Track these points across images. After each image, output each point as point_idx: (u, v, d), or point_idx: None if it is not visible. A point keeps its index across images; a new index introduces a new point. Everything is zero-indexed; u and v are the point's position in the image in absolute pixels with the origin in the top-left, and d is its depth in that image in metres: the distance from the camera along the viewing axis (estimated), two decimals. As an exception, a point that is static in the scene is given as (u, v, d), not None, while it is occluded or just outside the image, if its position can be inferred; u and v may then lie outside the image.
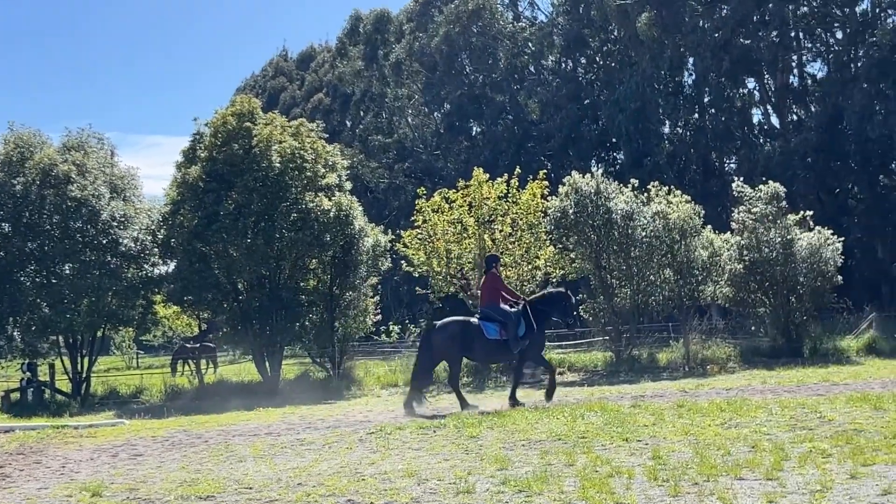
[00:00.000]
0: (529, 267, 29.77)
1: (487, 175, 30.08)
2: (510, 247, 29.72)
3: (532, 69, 63.12)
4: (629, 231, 28.82)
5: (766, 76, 55.67)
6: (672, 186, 31.04)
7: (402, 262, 30.93)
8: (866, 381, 20.40)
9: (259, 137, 27.22)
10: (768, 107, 56.99)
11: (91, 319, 27.84)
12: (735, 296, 30.65)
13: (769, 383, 20.95)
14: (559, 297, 19.39)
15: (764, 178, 33.13)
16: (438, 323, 19.25)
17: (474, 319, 18.89)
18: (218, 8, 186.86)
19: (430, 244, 29.90)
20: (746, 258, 29.80)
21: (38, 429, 18.55)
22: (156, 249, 28.48)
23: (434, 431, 14.39)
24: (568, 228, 29.02)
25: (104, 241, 27.86)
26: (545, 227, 29.56)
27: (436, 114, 66.61)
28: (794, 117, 56.35)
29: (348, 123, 72.26)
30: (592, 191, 28.83)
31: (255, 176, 26.69)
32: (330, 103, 73.32)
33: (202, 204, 26.89)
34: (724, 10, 52.12)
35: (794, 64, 55.77)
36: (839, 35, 53.88)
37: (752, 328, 31.91)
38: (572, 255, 29.56)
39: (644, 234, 28.93)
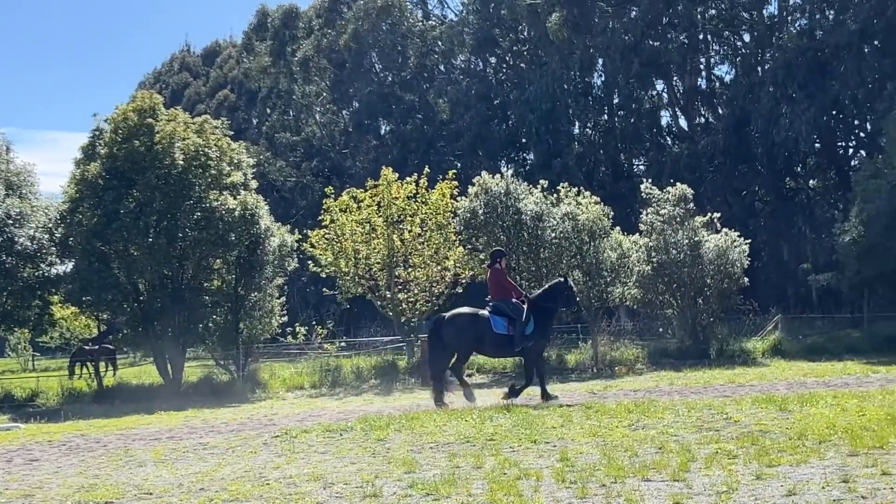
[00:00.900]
0: (439, 268, 29.83)
1: (396, 174, 30.08)
2: (419, 247, 29.76)
3: (442, 68, 63.27)
4: (539, 232, 29.03)
5: (675, 78, 56.55)
6: (581, 188, 31.36)
7: (310, 262, 30.77)
8: (772, 383, 20.85)
9: (161, 134, 26.84)
10: (677, 109, 57.93)
11: (-16, 320, 27.22)
12: (643, 297, 31.07)
13: (676, 385, 21.28)
14: (559, 288, 19.50)
15: (672, 180, 33.67)
16: (447, 315, 19.34)
17: (484, 312, 18.99)
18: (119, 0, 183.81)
19: (338, 244, 29.79)
20: (654, 260, 30.22)
21: (-73, 435, 18.06)
22: (53, 248, 27.88)
23: (341, 435, 14.33)
24: (477, 229, 29.13)
25: (-1, 240, 27.24)
26: (455, 228, 29.64)
27: (344, 112, 66.38)
28: (702, 120, 57.35)
29: (254, 121, 71.65)
30: (502, 191, 28.99)
31: (157, 174, 26.31)
32: (236, 100, 72.57)
33: (102, 202, 26.42)
34: (634, 12, 52.81)
35: (702, 66, 56.76)
36: (746, 38, 54.99)
37: (660, 330, 32.41)
38: (482, 256, 29.65)
39: (553, 235, 29.16)
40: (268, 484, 10.66)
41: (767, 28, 51.43)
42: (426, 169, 30.62)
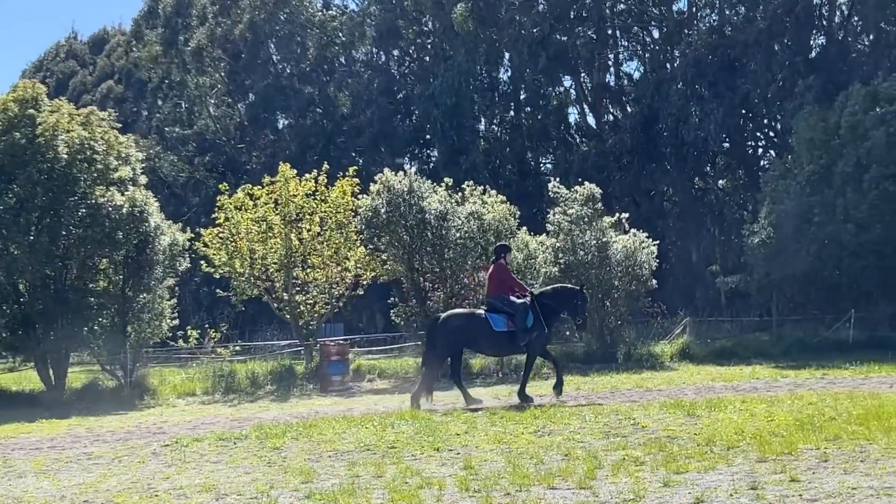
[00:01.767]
0: (339, 269, 29.70)
1: (295, 171, 29.85)
2: (318, 247, 29.59)
3: (343, 60, 63.02)
4: (443, 232, 29.06)
5: (583, 74, 57.13)
6: (487, 186, 31.49)
7: (202, 262, 30.36)
8: (680, 387, 21.18)
9: (44, 126, 26.24)
10: (585, 106, 58.51)
11: None
12: (550, 299, 31.25)
13: (583, 389, 21.51)
14: (570, 294, 19.78)
15: (580, 179, 34.01)
16: (442, 315, 19.69)
17: (480, 311, 19.34)
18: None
19: (233, 244, 29.47)
20: (561, 261, 30.48)
21: None
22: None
23: (234, 443, 14.21)
24: (379, 228, 29.07)
25: None
26: (356, 227, 29.53)
27: (240, 105, 65.72)
28: (611, 117, 58.04)
29: (144, 113, 70.50)
30: (405, 189, 28.96)
31: (39, 168, 25.71)
32: (124, 91, 71.35)
33: (-22, 197, 25.77)
34: (542, 5, 53.25)
35: (610, 63, 57.42)
36: (656, 34, 55.80)
37: (567, 333, 32.67)
38: (384, 257, 29.63)
39: (458, 235, 29.22)
40: (157, 495, 10.53)
41: (677, 24, 52.23)
42: (326, 165, 30.43)
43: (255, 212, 29.49)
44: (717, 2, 50.95)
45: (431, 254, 29.25)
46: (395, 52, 62.59)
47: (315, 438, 14.20)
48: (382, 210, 28.81)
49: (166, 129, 65.97)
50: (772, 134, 51.67)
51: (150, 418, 20.39)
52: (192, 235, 29.44)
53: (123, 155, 27.85)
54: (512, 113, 57.70)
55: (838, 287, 35.89)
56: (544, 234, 31.28)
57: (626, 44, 57.41)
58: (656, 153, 49.49)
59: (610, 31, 55.09)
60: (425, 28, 60.51)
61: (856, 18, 48.75)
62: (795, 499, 9.01)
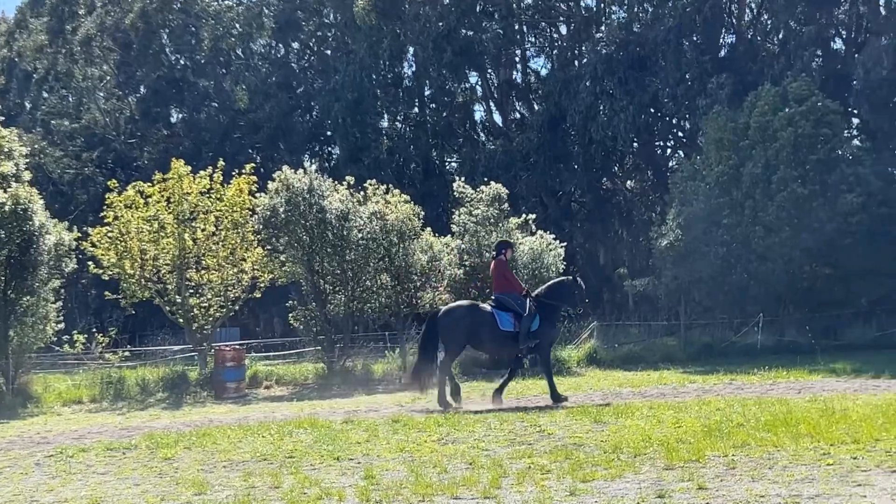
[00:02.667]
0: (235, 270, 29.45)
1: (189, 168, 29.51)
2: (213, 248, 29.29)
3: (240, 52, 62.43)
4: (344, 232, 29.00)
5: (490, 71, 57.34)
6: (391, 185, 31.49)
7: (90, 263, 29.87)
8: (587, 393, 21.42)
9: (-80, 119, 25.68)
10: (491, 103, 58.73)
11: None
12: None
13: (489, 396, 21.61)
14: (567, 287, 19.92)
15: (486, 179, 34.15)
16: (444, 307, 19.69)
17: (486, 306, 19.20)
18: None
19: (123, 244, 29.03)
20: (467, 263, 30.60)
21: None
22: None
23: (123, 453, 14.03)
24: (278, 228, 28.90)
25: None
26: (253, 227, 29.31)
27: (131, 98, 64.70)
28: (518, 115, 58.34)
29: (28, 105, 69.06)
30: (305, 188, 28.83)
31: (-86, 162, 25.17)
32: (7, 82, 69.88)
33: None
34: (447, -1, 53.37)
35: (517, 59, 57.73)
36: (564, 30, 56.26)
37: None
38: (282, 258, 29.47)
39: (360, 235, 29.18)
40: (40, 510, 10.34)
41: (585, 21, 52.73)
42: (221, 162, 30.12)
43: (147, 210, 29.08)
44: (626, -2, 51.56)
45: (332, 255, 29.16)
46: (295, 45, 62.20)
47: (209, 448, 14.08)
48: (281, 209, 28.65)
49: (52, 122, 64.66)
50: (681, 134, 52.41)
51: (34, 427, 20.01)
52: (80, 235, 28.94)
53: (6, 150, 27.31)
54: (416, 109, 57.69)
55: (746, 291, 36.54)
56: (449, 236, 31.38)
57: (534, 40, 57.76)
58: (564, 152, 49.86)
59: (517, 27, 55.34)
60: (326, 20, 60.25)
61: (765, 17, 49.72)
62: (702, 506, 9.17)
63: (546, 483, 10.38)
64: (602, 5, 53.57)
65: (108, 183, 31.06)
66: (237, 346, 28.83)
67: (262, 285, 29.98)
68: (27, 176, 27.68)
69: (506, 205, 31.54)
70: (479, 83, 58.09)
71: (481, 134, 58.85)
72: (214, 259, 29.23)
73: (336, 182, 30.20)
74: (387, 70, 54.80)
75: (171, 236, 28.97)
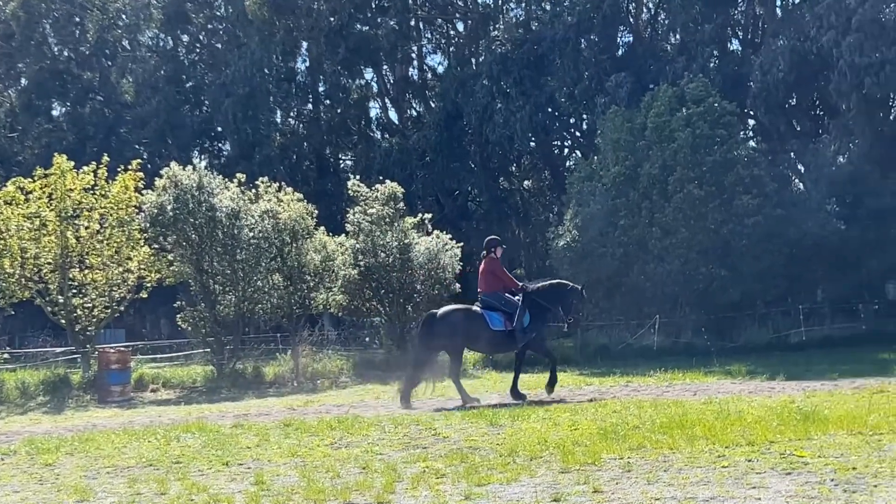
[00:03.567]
0: (120, 269, 29.01)
1: (72, 163, 29.00)
2: (98, 246, 28.82)
3: (126, 44, 61.54)
4: (235, 231, 28.73)
5: (385, 67, 57.35)
6: (283, 183, 31.31)
7: (-34, 262, 29.22)
8: (482, 396, 21.44)
9: None
10: (387, 100, 58.75)
11: None
12: (349, 304, 31.35)
13: (383, 399, 21.61)
14: (566, 292, 20.28)
15: (381, 177, 34.14)
16: (439, 312, 19.87)
17: (476, 308, 19.56)
18: None
19: (2, 242, 28.44)
20: (362, 263, 30.57)
21: None
22: None
23: (2, 459, 13.75)
24: (166, 227, 28.53)
25: None
26: (139, 225, 28.92)
27: (11, 90, 63.40)
28: (414, 112, 58.45)
29: None
30: (194, 185, 28.52)
31: None
32: None
33: None
34: (342, -8, 53.22)
35: (413, 56, 57.82)
36: (461, 27, 56.51)
37: (367, 339, 32.79)
38: (170, 257, 29.11)
39: (251, 234, 28.95)
40: (-88, 520, 10.10)
41: (482, 18, 53.01)
42: (106, 157, 29.67)
43: (28, 207, 28.50)
44: (524, -5, 51.97)
45: (222, 254, 28.89)
46: (185, 38, 61.49)
47: (92, 453, 13.86)
48: (169, 207, 28.28)
49: (-73, 114, 63.17)
50: (578, 134, 52.94)
51: None
52: (-45, 232, 28.29)
53: None
54: (310, 106, 57.48)
55: (643, 292, 37.01)
56: (343, 235, 31.30)
57: (431, 36, 57.97)
58: (461, 151, 50.09)
59: (413, 23, 55.46)
60: (217, 13, 59.69)
61: (663, 16, 50.47)
62: (598, 510, 9.28)
63: (441, 487, 10.41)
64: (499, 3, 53.93)
65: (-13, 178, 30.42)
66: (122, 349, 28.40)
67: (148, 285, 29.59)
68: None
69: (401, 204, 31.56)
70: (375, 79, 58.19)
71: (377, 131, 58.85)
72: (99, 258, 28.75)
73: (226, 179, 29.91)
74: (280, 65, 54.47)
75: (52, 234, 28.43)
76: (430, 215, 32.47)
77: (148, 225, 28.67)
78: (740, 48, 48.44)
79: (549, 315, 20.54)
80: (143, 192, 29.02)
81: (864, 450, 11.41)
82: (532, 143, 51.23)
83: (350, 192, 32.17)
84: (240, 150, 51.30)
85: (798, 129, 45.42)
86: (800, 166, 45.27)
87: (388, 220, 30.97)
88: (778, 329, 36.62)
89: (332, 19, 52.14)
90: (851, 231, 38.02)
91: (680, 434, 12.99)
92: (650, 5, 51.51)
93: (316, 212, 30.36)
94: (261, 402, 22.44)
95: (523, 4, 52.71)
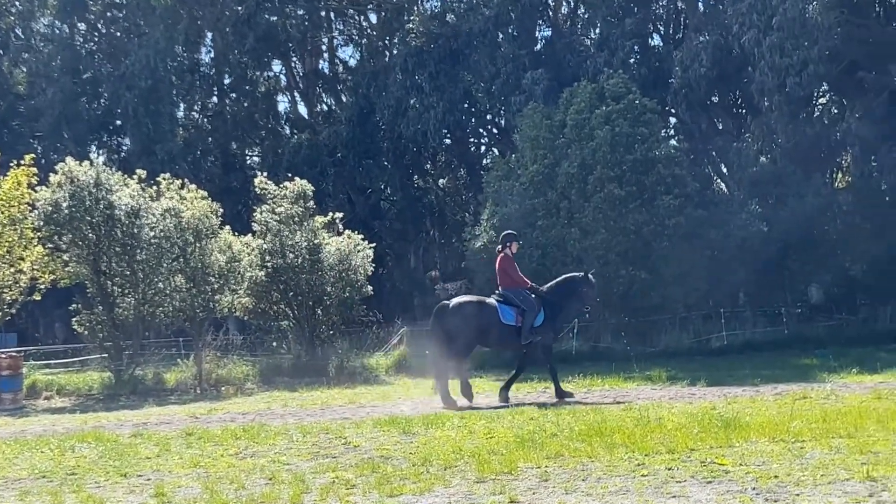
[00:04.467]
0: (12, 270, 28.60)
1: (-40, 158, 28.57)
2: (-13, 245, 28.42)
3: (19, 32, 60.53)
4: (135, 230, 28.47)
5: (294, 59, 57.04)
6: (186, 180, 31.05)
7: None
8: (395, 403, 21.51)
9: None
10: (296, 94, 58.42)
11: None
12: (256, 307, 31.19)
13: (291, 406, 21.52)
14: (576, 285, 20.86)
15: (290, 174, 33.98)
16: (451, 303, 20.42)
17: (491, 300, 20.11)
18: None
19: None
20: (269, 264, 30.41)
21: None
22: None
23: None
24: (61, 225, 28.18)
25: None
26: (32, 223, 28.53)
27: None
28: (325, 107, 58.21)
29: None
30: (91, 181, 28.20)
31: None
32: None
33: None
34: (249, -19, 52.83)
35: (324, 48, 57.57)
36: (373, 18, 56.38)
37: (274, 344, 32.61)
38: (66, 257, 28.74)
39: (153, 234, 28.69)
40: None
41: (396, 9, 52.92)
42: (-2, 152, 29.27)
43: (-89, 204, 28.03)
44: (440, -14, 51.95)
45: (121, 255, 28.60)
46: (82, 26, 60.53)
47: (-20, 466, 13.64)
48: (64, 204, 27.93)
49: None
50: (495, 131, 53.06)
51: None
52: None
53: None
54: (215, 99, 56.97)
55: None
56: (250, 235, 31.12)
57: (342, 28, 57.74)
58: (373, 148, 49.98)
59: (324, 13, 55.22)
60: (117, 0, 58.91)
61: (582, 10, 50.79)
62: (515, 521, 9.32)
63: (351, 498, 10.39)
64: (414, -7, 53.84)
65: None
66: (14, 354, 27.94)
67: (42, 287, 29.18)
68: None
69: (311, 202, 31.45)
70: (284, 72, 57.74)
71: (286, 126, 58.44)
72: (-11, 258, 28.32)
73: (126, 175, 29.63)
74: (183, 56, 53.93)
75: (-64, 232, 27.96)
76: (341, 214, 32.39)
77: (42, 223, 28.30)
78: (661, 44, 48.87)
79: (562, 314, 21.15)
80: (37, 188, 28.63)
81: (785, 457, 11.59)
82: (448, 140, 51.29)
83: (257, 189, 31.97)
84: (140, 145, 50.66)
85: (720, 127, 45.95)
86: (722, 166, 45.86)
87: (297, 219, 30.83)
88: (699, 333, 37.01)
89: (238, 8, 51.74)
90: (774, 233, 38.55)
91: (599, 442, 13.09)
92: (569, -1, 51.85)
93: (221, 210, 30.13)
94: (161, 410, 22.23)
95: (439, -5, 52.73)
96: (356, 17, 57.05)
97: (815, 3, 38.39)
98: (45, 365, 31.93)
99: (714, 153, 45.58)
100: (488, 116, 51.68)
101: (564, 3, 51.80)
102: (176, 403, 24.20)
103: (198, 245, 29.26)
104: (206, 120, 57.03)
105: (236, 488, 11.13)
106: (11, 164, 28.97)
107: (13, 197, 28.53)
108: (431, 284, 46.15)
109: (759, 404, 17.26)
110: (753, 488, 10.07)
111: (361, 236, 31.91)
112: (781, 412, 15.44)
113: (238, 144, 57.59)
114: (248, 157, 58.57)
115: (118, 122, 55.32)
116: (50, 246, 28.66)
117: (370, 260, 31.57)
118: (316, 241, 30.64)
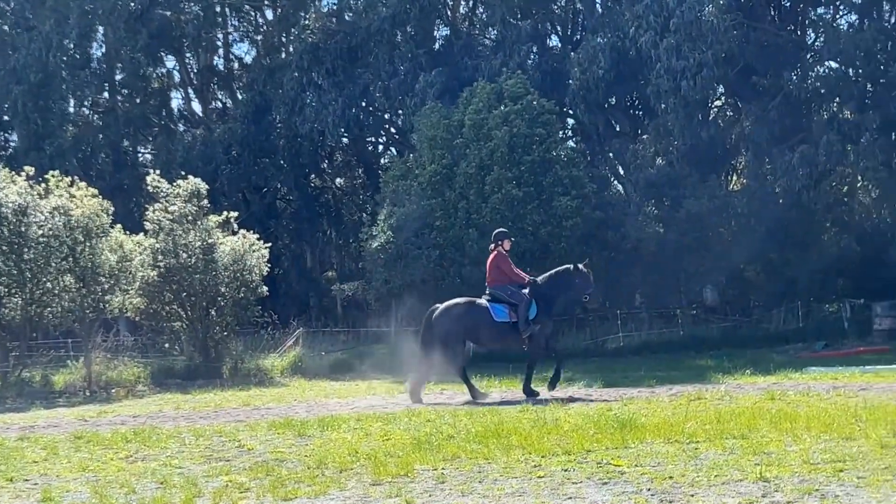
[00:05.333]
0: None
1: None
2: None
3: None
4: (22, 228, 27.99)
5: (189, 55, 56.52)
6: (76, 177, 30.57)
7: None
8: (290, 405, 21.44)
9: None
10: (190, 90, 57.89)
11: None
12: (147, 308, 30.87)
13: (184, 409, 21.33)
14: (570, 276, 20.97)
15: (184, 172, 33.67)
16: (441, 305, 20.69)
17: (481, 301, 20.37)
18: None
19: None
20: (162, 264, 30.11)
21: None
22: None
23: None
24: (-56, 223, 27.63)
25: None
26: (-87, 221, 27.92)
27: None
28: (219, 104, 57.76)
29: None
30: (-23, 178, 27.72)
31: None
32: None
33: None
34: (141, -26, 52.23)
35: (219, 43, 57.12)
36: (269, 15, 56.07)
37: (167, 345, 32.26)
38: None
39: (41, 232, 28.24)
40: None
41: (293, 5, 52.66)
42: None
43: None
44: (337, -16, 51.81)
45: (7, 254, 28.12)
46: (-32, 18, 59.50)
47: None
48: (-52, 202, 27.39)
49: None
50: (393, 130, 53.11)
51: None
52: None
53: None
54: (106, 95, 56.22)
55: (460, 296, 37.25)
56: (142, 234, 30.77)
57: (238, 24, 57.36)
58: (269, 146, 49.68)
59: (219, 9, 54.80)
60: (2, -8, 57.89)
61: (481, 10, 51.03)
62: (407, 523, 9.34)
63: (244, 502, 10.34)
64: (311, -10, 53.62)
65: None
66: None
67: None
68: None
69: (205, 201, 31.18)
70: (177, 68, 57.20)
71: (179, 123, 57.88)
72: None
73: (13, 172, 29.14)
74: (74, 51, 53.11)
75: None
76: (235, 213, 32.15)
77: (-77, 221, 27.69)
78: (560, 45, 49.25)
79: (557, 306, 21.63)
80: (-80, 185, 28.02)
81: (680, 458, 11.75)
82: (345, 139, 51.19)
83: (149, 187, 31.62)
84: (29, 141, 49.81)
85: (618, 129, 46.47)
86: (619, 167, 46.39)
87: (190, 218, 30.55)
88: (595, 334, 37.44)
89: (132, 3, 51.15)
90: (670, 234, 39.13)
91: (495, 443, 13.16)
92: (468, -3, 52.04)
93: (112, 208, 29.73)
94: (49, 413, 21.87)
95: (337, -8, 52.57)
96: (252, 14, 56.73)
97: (710, 6, 39.04)
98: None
99: (611, 154, 46.11)
100: (386, 115, 51.71)
101: (462, 3, 52.00)
102: (64, 406, 23.84)
103: (88, 244, 28.83)
104: (96, 116, 56.23)
105: (126, 493, 11.00)
106: None
107: None
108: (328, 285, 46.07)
109: (654, 405, 17.48)
110: (649, 489, 10.20)
111: (257, 236, 31.71)
112: (676, 413, 15.65)
113: (130, 141, 56.88)
114: (140, 155, 57.90)
115: (5, 118, 54.31)
116: (-71, 245, 28.08)
117: (265, 260, 31.39)
118: (210, 241, 30.39)
